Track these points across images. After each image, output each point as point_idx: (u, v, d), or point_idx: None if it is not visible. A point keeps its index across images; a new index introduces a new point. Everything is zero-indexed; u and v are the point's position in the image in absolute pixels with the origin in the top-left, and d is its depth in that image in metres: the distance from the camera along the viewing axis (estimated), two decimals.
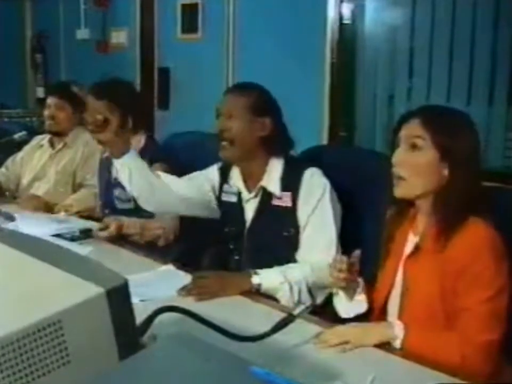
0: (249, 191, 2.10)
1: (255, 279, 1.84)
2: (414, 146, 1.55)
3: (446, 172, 1.54)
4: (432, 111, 1.64)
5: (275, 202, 2.03)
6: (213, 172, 2.22)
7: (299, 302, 1.82)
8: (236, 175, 2.14)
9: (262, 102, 2.05)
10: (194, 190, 2.18)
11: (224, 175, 2.18)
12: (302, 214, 1.99)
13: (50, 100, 3.09)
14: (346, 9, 3.72)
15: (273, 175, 2.05)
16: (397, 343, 1.49)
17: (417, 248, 1.61)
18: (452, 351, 1.46)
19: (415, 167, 1.55)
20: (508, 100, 3.30)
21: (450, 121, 1.58)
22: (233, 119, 2.02)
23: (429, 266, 1.55)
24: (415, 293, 1.60)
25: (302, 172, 2.02)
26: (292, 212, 2.00)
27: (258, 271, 1.87)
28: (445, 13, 3.41)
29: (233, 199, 2.14)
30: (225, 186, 2.17)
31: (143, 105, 2.70)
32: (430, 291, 1.55)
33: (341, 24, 3.70)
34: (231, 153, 2.05)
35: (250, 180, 2.10)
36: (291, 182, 2.02)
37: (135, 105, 2.58)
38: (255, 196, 2.08)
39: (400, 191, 1.59)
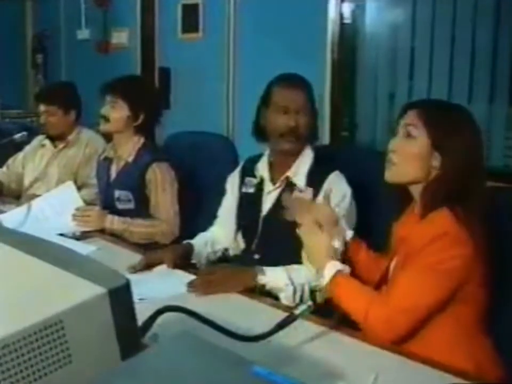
0: (274, 182, 2.12)
1: (261, 278, 1.85)
2: (408, 135, 1.59)
3: (437, 163, 1.56)
4: (430, 103, 1.68)
5: (296, 195, 2.05)
6: (233, 178, 2.24)
7: (301, 302, 1.82)
8: (262, 166, 2.16)
9: (312, 92, 2.11)
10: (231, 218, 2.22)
11: (249, 169, 2.20)
12: None
13: (40, 107, 3.12)
14: (347, 9, 3.73)
15: (301, 168, 2.08)
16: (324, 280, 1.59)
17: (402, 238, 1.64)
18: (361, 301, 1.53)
19: (406, 154, 1.59)
20: (509, 99, 3.30)
21: (447, 114, 1.60)
22: (301, 115, 2.06)
23: (400, 254, 1.60)
24: (391, 281, 1.63)
25: (328, 172, 2.05)
26: None
27: (264, 269, 1.87)
28: (446, 11, 3.42)
29: (252, 190, 2.16)
30: (247, 179, 2.19)
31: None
32: (395, 280, 1.57)
33: (342, 24, 3.71)
34: (295, 147, 2.07)
35: (278, 170, 2.12)
36: (316, 179, 2.05)
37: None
38: (278, 187, 2.10)
39: (389, 175, 1.63)
